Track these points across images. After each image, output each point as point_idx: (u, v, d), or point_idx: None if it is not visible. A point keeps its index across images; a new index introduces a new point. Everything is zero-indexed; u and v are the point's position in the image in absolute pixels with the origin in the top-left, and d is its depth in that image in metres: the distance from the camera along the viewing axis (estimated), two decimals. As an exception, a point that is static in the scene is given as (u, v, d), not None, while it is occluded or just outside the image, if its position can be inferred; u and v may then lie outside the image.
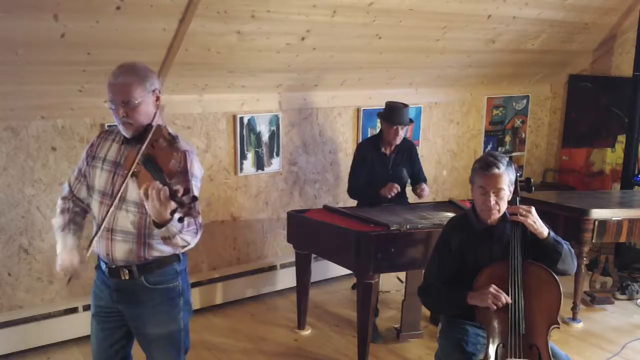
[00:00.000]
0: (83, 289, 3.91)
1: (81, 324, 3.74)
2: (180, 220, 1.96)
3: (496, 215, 2.56)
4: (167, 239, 2.09)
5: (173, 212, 1.92)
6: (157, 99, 2.22)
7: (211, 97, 4.16)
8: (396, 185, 4.00)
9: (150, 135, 2.12)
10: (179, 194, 1.90)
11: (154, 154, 2.07)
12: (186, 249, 2.21)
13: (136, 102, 2.12)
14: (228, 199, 4.43)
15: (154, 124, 2.18)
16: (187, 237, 2.11)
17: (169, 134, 2.21)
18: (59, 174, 3.69)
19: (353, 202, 4.41)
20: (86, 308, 3.74)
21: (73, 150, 3.73)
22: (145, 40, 3.31)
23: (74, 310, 3.76)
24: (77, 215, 2.38)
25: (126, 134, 2.20)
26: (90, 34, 3.08)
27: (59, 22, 2.94)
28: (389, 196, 3.99)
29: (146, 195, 1.94)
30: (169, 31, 3.33)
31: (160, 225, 1.99)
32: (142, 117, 2.16)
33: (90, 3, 2.91)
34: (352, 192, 4.27)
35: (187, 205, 1.91)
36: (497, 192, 2.51)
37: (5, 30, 2.85)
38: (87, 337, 3.71)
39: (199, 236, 2.18)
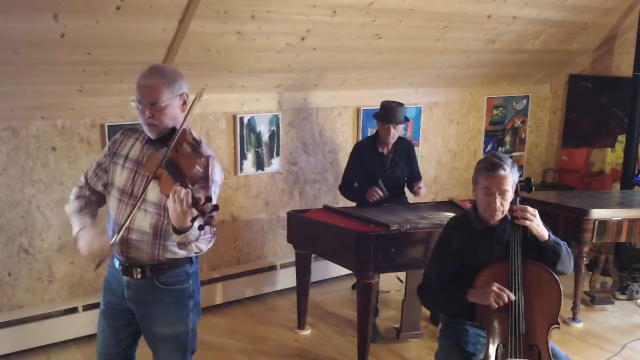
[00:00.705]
0: (83, 288, 3.92)
1: (81, 324, 3.75)
2: (201, 228, 1.95)
3: (500, 217, 2.56)
4: (182, 245, 2.11)
5: (194, 220, 1.92)
6: (184, 103, 2.23)
7: (211, 97, 4.15)
8: (377, 190, 3.97)
9: (175, 140, 2.11)
10: (201, 202, 1.90)
11: (177, 159, 2.07)
12: (198, 254, 2.24)
13: (163, 104, 2.14)
14: (228, 199, 4.43)
15: (180, 127, 2.17)
16: (202, 245, 2.15)
17: (193, 138, 2.22)
18: (59, 174, 3.69)
19: (353, 202, 4.41)
20: (86, 308, 3.75)
21: (73, 150, 3.73)
22: (145, 40, 3.31)
23: (74, 310, 3.76)
24: (93, 203, 2.37)
25: (150, 135, 2.21)
26: (90, 34, 3.08)
27: (59, 22, 2.94)
28: (372, 200, 3.98)
29: (172, 198, 1.93)
30: (169, 31, 3.33)
31: (180, 231, 2.00)
32: (167, 120, 2.17)
33: (90, 3, 2.91)
34: (343, 191, 4.26)
35: (208, 214, 1.91)
36: (502, 193, 2.51)
37: (5, 30, 2.85)
38: (87, 337, 3.75)
39: (212, 244, 2.20)
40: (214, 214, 1.97)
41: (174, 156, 2.08)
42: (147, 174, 2.13)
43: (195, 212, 1.90)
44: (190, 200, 1.89)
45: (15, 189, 3.58)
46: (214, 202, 2.14)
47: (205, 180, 2.16)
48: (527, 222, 2.52)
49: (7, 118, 3.47)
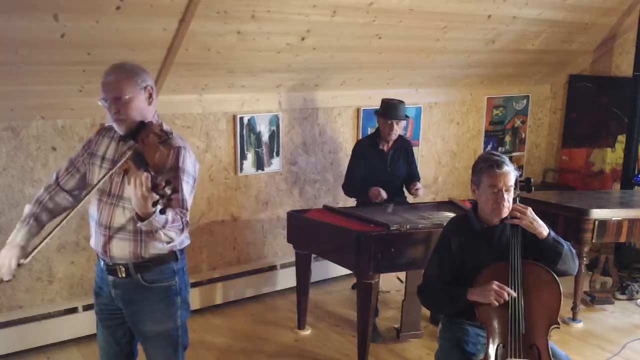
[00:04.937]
0: (83, 288, 3.92)
1: (81, 324, 3.75)
2: (162, 212, 1.97)
3: (506, 213, 2.56)
4: (149, 233, 2.09)
5: (155, 204, 1.94)
6: (150, 95, 2.24)
7: (211, 97, 4.16)
8: (381, 190, 3.99)
9: (137, 131, 2.15)
10: (161, 186, 1.92)
11: (142, 150, 2.10)
12: (170, 245, 2.20)
13: (126, 97, 2.16)
14: (228, 199, 4.43)
15: (147, 120, 2.21)
16: (171, 233, 2.10)
17: (162, 130, 2.23)
18: (59, 174, 3.69)
19: (353, 202, 4.41)
20: (86, 308, 3.75)
21: (73, 150, 3.72)
22: (145, 40, 3.31)
23: (74, 310, 3.76)
24: (45, 211, 2.37)
25: (120, 130, 2.23)
26: (90, 34, 3.08)
27: (59, 22, 2.94)
28: (375, 201, 3.98)
29: (130, 183, 1.96)
30: (169, 31, 3.33)
31: (142, 218, 2.00)
32: (133, 113, 2.19)
33: (90, 3, 2.91)
34: (346, 190, 4.27)
35: (168, 197, 1.93)
36: (508, 189, 2.52)
37: (5, 30, 2.85)
38: (87, 337, 3.76)
39: (185, 234, 2.19)
40: (183, 198, 2.04)
41: (140, 148, 2.11)
42: (117, 169, 2.15)
43: (155, 197, 1.91)
44: (149, 184, 1.90)
45: (15, 189, 3.58)
46: (187, 193, 2.18)
47: (175, 170, 2.17)
48: (516, 221, 2.53)
49: (7, 118, 3.47)
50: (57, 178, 2.40)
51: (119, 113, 2.17)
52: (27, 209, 2.36)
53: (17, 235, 2.31)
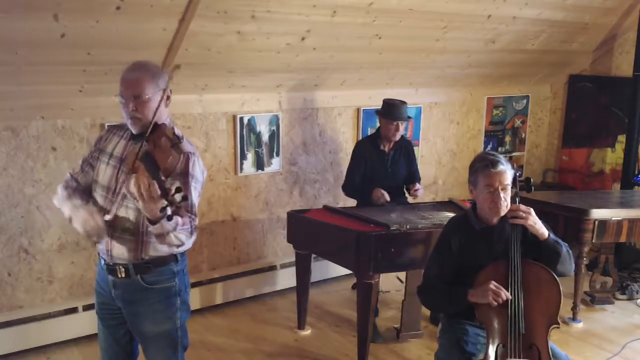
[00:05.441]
0: (83, 288, 3.92)
1: (81, 324, 3.75)
2: (169, 218, 1.97)
3: (504, 212, 2.56)
4: (161, 236, 2.08)
5: (163, 209, 1.94)
6: (168, 98, 2.26)
7: (211, 97, 4.16)
8: (384, 192, 3.99)
9: (150, 132, 2.14)
10: (171, 193, 1.91)
11: (153, 152, 2.09)
12: (181, 249, 2.21)
13: (146, 97, 2.17)
14: (228, 199, 4.43)
15: (159, 122, 2.21)
16: (182, 236, 2.11)
17: (174, 134, 2.23)
18: (59, 174, 3.69)
19: (353, 202, 4.41)
20: (86, 308, 3.75)
21: (73, 150, 3.73)
22: (145, 40, 3.31)
23: (74, 310, 3.76)
24: (81, 191, 2.36)
25: (133, 129, 2.23)
26: (90, 34, 3.08)
27: (59, 22, 2.94)
28: (378, 202, 3.99)
29: (135, 187, 1.95)
30: (169, 31, 3.33)
31: (153, 221, 2.00)
32: (150, 113, 2.19)
33: (90, 3, 2.92)
34: (346, 190, 4.27)
35: (177, 204, 1.93)
36: (505, 188, 2.53)
37: (5, 30, 2.85)
38: (87, 337, 3.76)
39: (193, 237, 2.19)
40: (191, 204, 2.03)
41: (151, 150, 2.09)
42: (126, 169, 2.15)
43: (164, 202, 1.91)
44: (158, 191, 1.91)
45: (15, 189, 3.58)
46: (195, 198, 2.19)
47: (184, 176, 2.17)
48: (521, 221, 2.53)
49: (7, 118, 3.47)
50: (71, 176, 2.40)
51: (136, 111, 2.17)
52: (62, 192, 2.30)
53: (74, 202, 2.24)
